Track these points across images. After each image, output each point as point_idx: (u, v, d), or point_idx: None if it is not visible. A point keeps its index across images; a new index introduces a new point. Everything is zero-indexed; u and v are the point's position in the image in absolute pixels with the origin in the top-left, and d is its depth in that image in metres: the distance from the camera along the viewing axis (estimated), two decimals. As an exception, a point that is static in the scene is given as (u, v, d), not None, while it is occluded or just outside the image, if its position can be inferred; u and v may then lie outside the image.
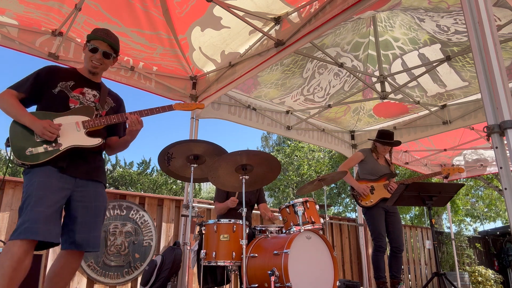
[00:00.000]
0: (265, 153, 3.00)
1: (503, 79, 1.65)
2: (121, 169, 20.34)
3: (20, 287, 1.83)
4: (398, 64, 4.48)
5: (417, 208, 15.08)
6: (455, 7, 3.26)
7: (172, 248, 3.08)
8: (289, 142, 20.98)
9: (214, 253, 2.82)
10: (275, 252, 2.68)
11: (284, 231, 3.18)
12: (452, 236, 7.16)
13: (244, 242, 2.75)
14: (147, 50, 3.76)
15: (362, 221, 5.97)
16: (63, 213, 2.07)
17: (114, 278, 3.92)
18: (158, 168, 20.06)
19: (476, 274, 8.12)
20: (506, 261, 9.70)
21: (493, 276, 8.26)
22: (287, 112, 5.38)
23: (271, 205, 20.46)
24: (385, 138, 4.23)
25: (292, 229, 3.03)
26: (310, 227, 2.98)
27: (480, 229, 16.66)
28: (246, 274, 2.71)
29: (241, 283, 2.83)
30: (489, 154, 6.69)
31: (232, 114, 4.79)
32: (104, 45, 2.23)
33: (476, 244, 9.76)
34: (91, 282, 3.81)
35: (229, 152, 2.92)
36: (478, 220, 16.81)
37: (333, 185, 18.53)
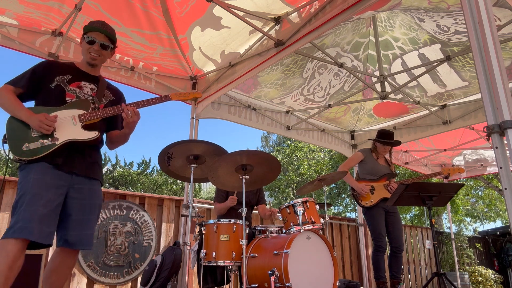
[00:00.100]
0: (265, 153, 3.00)
1: (503, 79, 1.65)
2: (121, 169, 20.33)
3: (20, 287, 1.83)
4: (398, 64, 4.48)
5: (417, 208, 15.08)
6: (455, 7, 3.26)
7: (172, 248, 3.08)
8: (289, 142, 20.98)
9: (214, 253, 2.82)
10: (275, 252, 2.68)
11: (284, 231, 3.18)
12: (452, 236, 7.16)
13: (244, 242, 2.75)
14: (147, 50, 3.76)
15: (362, 221, 5.97)
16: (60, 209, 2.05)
17: (114, 278, 3.92)
18: (158, 168, 20.07)
19: (476, 274, 8.12)
20: (506, 261, 9.70)
21: (493, 276, 8.26)
22: (287, 112, 5.38)
23: (271, 205, 20.43)
24: (385, 138, 4.23)
25: (292, 229, 3.03)
26: (310, 227, 2.98)
27: (480, 229, 16.67)
28: (246, 274, 2.71)
29: (241, 283, 2.83)
30: (489, 154, 6.69)
31: (232, 114, 4.79)
32: (101, 36, 2.22)
33: (476, 244, 9.76)
34: (91, 282, 3.81)
35: (229, 152, 2.93)
36: (478, 220, 16.81)
37: (333, 185, 18.53)
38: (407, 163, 6.90)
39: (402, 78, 4.63)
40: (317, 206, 3.22)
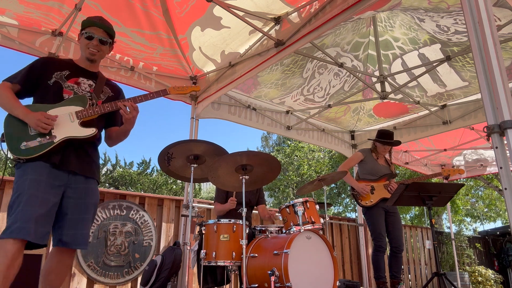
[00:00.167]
0: (265, 153, 3.00)
1: (503, 79, 1.65)
2: (121, 169, 20.32)
3: (20, 287, 1.83)
4: (398, 64, 4.48)
5: (417, 208, 15.08)
6: (455, 7, 3.26)
7: (172, 248, 3.08)
8: (289, 142, 20.98)
9: (214, 253, 2.82)
10: (275, 252, 2.68)
11: (284, 231, 3.18)
12: (452, 236, 7.16)
13: (244, 242, 2.75)
14: (147, 50, 3.77)
15: (362, 221, 5.97)
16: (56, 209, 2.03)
17: (114, 278, 3.92)
18: (158, 168, 20.07)
19: (476, 274, 8.11)
20: (506, 261, 9.70)
21: (493, 276, 8.26)
22: (287, 112, 5.38)
23: (271, 205, 20.47)
24: (385, 138, 4.23)
25: (292, 229, 3.03)
26: (310, 227, 2.98)
27: (480, 229, 16.67)
28: (246, 274, 2.71)
29: (241, 283, 2.83)
30: (489, 154, 6.69)
31: (232, 114, 4.79)
32: (100, 31, 2.20)
33: (476, 244, 9.76)
34: (91, 282, 3.81)
35: (229, 152, 2.93)
36: (478, 220, 16.80)
37: (333, 185, 18.53)
38: (407, 163, 6.90)
39: (402, 78, 4.63)
40: (317, 206, 3.22)
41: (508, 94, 1.62)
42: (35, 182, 1.90)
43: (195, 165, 3.13)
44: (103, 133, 2.36)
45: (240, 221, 2.89)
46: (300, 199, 3.13)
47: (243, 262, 2.70)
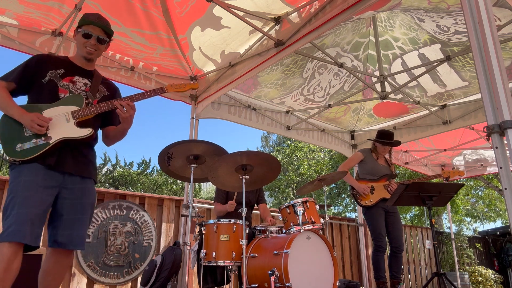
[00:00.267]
0: (265, 153, 3.00)
1: (503, 79, 1.65)
2: (121, 169, 20.31)
3: (21, 287, 1.82)
4: (398, 64, 4.48)
5: (417, 208, 15.08)
6: (455, 7, 3.26)
7: (172, 248, 3.08)
8: (289, 142, 20.98)
9: (214, 253, 2.82)
10: (275, 252, 2.68)
11: (284, 231, 3.18)
12: (452, 236, 7.16)
13: (244, 242, 2.75)
14: (147, 50, 3.77)
15: (362, 221, 5.97)
16: (50, 210, 2.01)
17: (114, 278, 3.93)
18: (158, 168, 20.06)
19: (476, 274, 8.12)
20: (506, 261, 9.70)
21: (493, 276, 8.26)
22: (287, 112, 5.38)
23: (271, 205, 20.46)
24: (385, 138, 4.23)
25: (292, 229, 3.03)
26: (310, 227, 2.98)
27: (480, 229, 16.67)
28: (246, 274, 2.71)
29: (241, 283, 2.83)
30: (489, 154, 6.69)
31: (232, 114, 4.79)
32: (98, 30, 2.15)
33: (476, 244, 9.76)
34: (91, 282, 3.81)
35: (229, 152, 2.93)
36: (478, 220, 16.81)
37: (333, 185, 18.53)
38: (407, 163, 6.90)
39: (402, 78, 4.63)
40: (317, 206, 3.22)
41: (508, 94, 1.62)
42: (30, 184, 1.87)
43: (195, 165, 3.13)
44: (99, 132, 2.32)
45: (240, 221, 2.89)
46: (300, 199, 3.13)
47: (243, 262, 2.70)
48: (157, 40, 3.63)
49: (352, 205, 18.59)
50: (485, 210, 15.68)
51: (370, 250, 5.81)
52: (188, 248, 3.68)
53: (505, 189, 1.54)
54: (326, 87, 4.88)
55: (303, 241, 2.78)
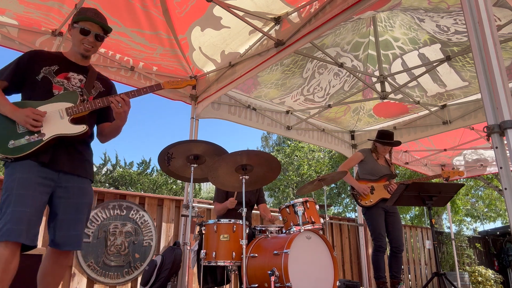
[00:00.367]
0: (265, 153, 3.00)
1: (503, 79, 1.65)
2: (121, 169, 20.31)
3: (21, 287, 1.81)
4: (398, 64, 4.48)
5: (417, 208, 15.08)
6: (455, 7, 3.26)
7: (172, 248, 3.08)
8: (289, 142, 20.99)
9: (214, 253, 2.82)
10: (275, 252, 2.68)
11: (284, 231, 3.18)
12: (452, 236, 7.16)
13: (244, 242, 2.75)
14: (147, 50, 3.77)
15: (362, 221, 5.97)
16: (45, 208, 1.98)
17: (114, 278, 3.92)
18: (158, 168, 20.06)
19: (476, 274, 8.12)
20: (506, 261, 9.70)
21: (493, 276, 8.26)
22: (287, 112, 5.38)
23: (271, 205, 20.47)
24: (385, 138, 4.23)
25: (292, 229, 3.03)
26: (310, 227, 2.98)
27: (480, 229, 16.68)
28: (246, 274, 2.71)
29: (241, 283, 2.83)
30: (489, 154, 6.69)
31: (232, 114, 4.79)
32: (96, 27, 2.10)
33: (476, 244, 9.77)
34: (91, 282, 3.81)
35: (229, 152, 2.93)
36: (478, 220, 16.81)
37: (333, 185, 18.54)
38: (407, 163, 6.90)
39: (402, 78, 4.63)
40: (317, 206, 3.22)
41: (508, 94, 1.62)
42: (24, 181, 1.84)
43: (195, 165, 3.13)
44: (95, 130, 2.28)
45: (240, 221, 2.89)
46: (300, 199, 3.13)
47: (243, 262, 2.70)
48: (157, 40, 3.63)
49: (352, 205, 18.59)
50: (485, 210, 15.68)
51: (370, 250, 5.81)
52: (188, 248, 3.68)
53: (505, 189, 1.54)
54: (326, 87, 4.88)
55: (303, 241, 2.78)
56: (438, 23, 3.62)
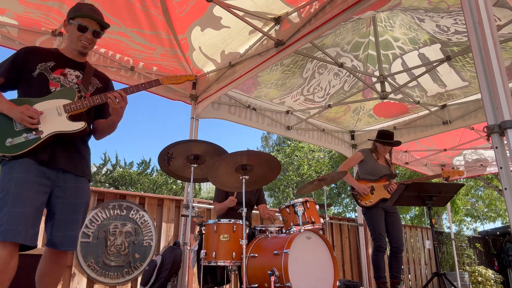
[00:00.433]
0: (265, 153, 3.00)
1: (503, 79, 1.65)
2: (121, 169, 20.30)
3: (20, 287, 1.80)
4: (398, 64, 4.48)
5: (417, 208, 15.09)
6: (455, 7, 3.26)
7: (172, 248, 3.08)
8: (289, 142, 20.99)
9: (214, 253, 2.82)
10: (275, 252, 2.68)
11: (284, 231, 3.18)
12: (452, 236, 7.16)
13: (244, 242, 2.75)
14: (147, 50, 3.77)
15: (362, 221, 5.97)
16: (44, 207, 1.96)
17: (114, 278, 3.92)
18: (158, 168, 20.05)
19: (476, 274, 8.12)
20: (506, 261, 9.70)
21: (493, 276, 8.26)
22: (287, 112, 5.38)
23: (271, 205, 20.46)
24: (385, 138, 4.23)
25: (292, 229, 3.03)
26: (310, 227, 2.98)
27: (480, 229, 16.68)
28: (246, 274, 2.71)
29: (241, 283, 2.83)
30: (489, 154, 6.69)
31: (232, 114, 4.79)
32: (93, 23, 2.07)
33: (476, 244, 9.77)
34: (91, 282, 3.81)
35: (229, 152, 2.93)
36: (478, 220, 16.81)
37: (333, 185, 18.53)
38: (407, 163, 6.90)
39: (402, 78, 4.63)
40: (317, 206, 3.22)
41: (508, 94, 1.62)
42: (22, 180, 1.81)
43: (195, 165, 3.13)
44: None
45: (240, 221, 2.89)
46: (300, 199, 3.13)
47: (243, 262, 2.70)
48: (157, 40, 3.63)
49: (352, 205, 18.59)
50: (485, 210, 15.68)
51: (370, 250, 5.81)
52: (188, 248, 3.68)
53: (505, 189, 1.54)
54: (326, 87, 4.88)
55: (303, 241, 2.78)
56: (438, 23, 3.62)
